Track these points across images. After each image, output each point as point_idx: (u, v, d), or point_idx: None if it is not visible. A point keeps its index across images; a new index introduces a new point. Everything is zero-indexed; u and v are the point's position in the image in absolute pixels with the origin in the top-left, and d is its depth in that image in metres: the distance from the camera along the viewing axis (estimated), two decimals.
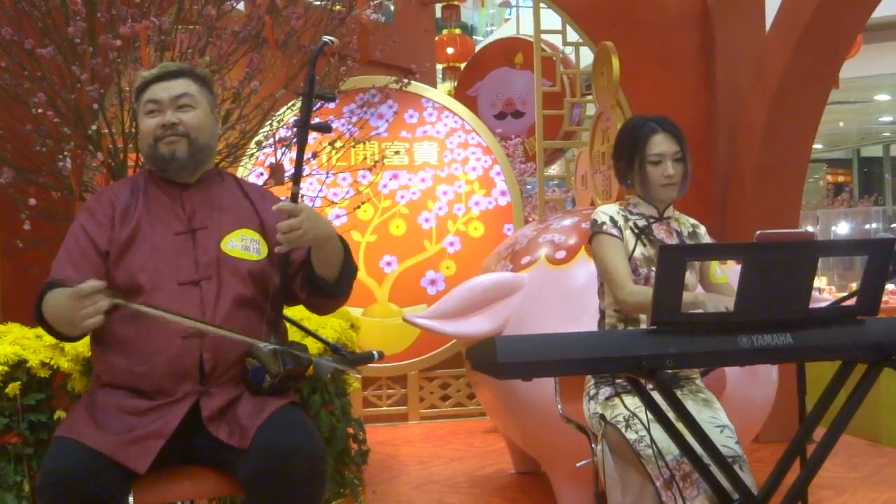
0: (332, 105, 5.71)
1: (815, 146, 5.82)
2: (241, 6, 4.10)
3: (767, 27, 5.80)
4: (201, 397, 2.41)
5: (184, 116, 2.56)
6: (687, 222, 3.10)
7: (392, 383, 6.71)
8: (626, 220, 3.00)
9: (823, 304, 3.63)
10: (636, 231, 2.98)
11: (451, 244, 6.69)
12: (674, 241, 2.99)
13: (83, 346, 2.99)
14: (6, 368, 2.96)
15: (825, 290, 9.26)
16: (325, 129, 2.69)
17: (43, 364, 3.03)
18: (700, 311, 2.61)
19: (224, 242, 2.54)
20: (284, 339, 2.56)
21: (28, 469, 3.03)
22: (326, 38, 2.57)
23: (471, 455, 5.60)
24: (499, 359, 1.97)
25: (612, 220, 2.98)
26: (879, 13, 5.48)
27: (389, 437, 6.19)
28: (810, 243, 2.37)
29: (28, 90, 3.47)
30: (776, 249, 2.20)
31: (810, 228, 13.40)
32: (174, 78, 2.59)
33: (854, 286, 9.71)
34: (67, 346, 3.04)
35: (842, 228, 13.08)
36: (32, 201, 3.53)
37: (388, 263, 6.61)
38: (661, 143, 2.95)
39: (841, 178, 26.10)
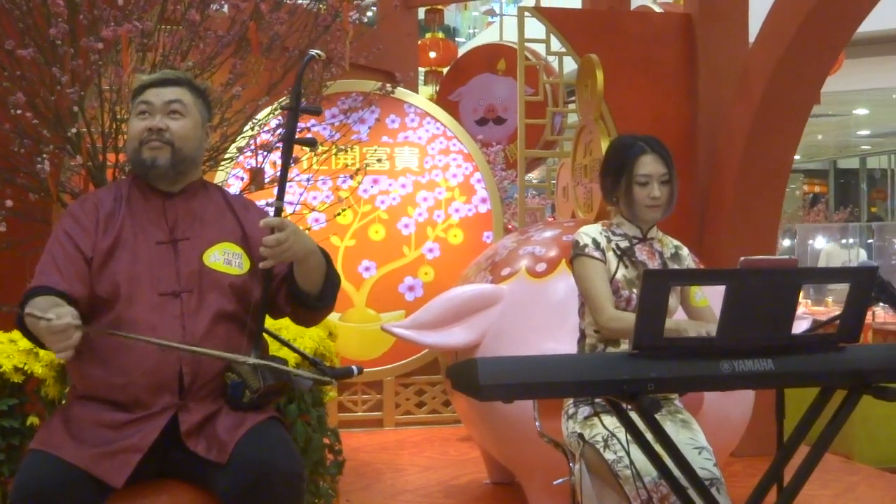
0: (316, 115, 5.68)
1: (794, 158, 5.85)
2: (225, 9, 4.06)
3: (751, 42, 5.82)
4: (180, 411, 2.38)
5: (172, 124, 2.53)
6: (670, 244, 3.10)
7: (367, 389, 6.69)
8: (609, 240, 2.99)
9: (803, 322, 3.66)
10: (618, 252, 2.97)
11: (431, 250, 6.68)
12: (655, 262, 2.99)
13: None
14: None
15: (801, 304, 9.30)
16: (310, 143, 2.67)
17: (16, 369, 2.99)
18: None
19: (206, 255, 2.52)
20: (265, 354, 2.53)
21: (0, 475, 2.99)
22: (313, 52, 2.55)
23: (445, 464, 5.59)
24: (480, 381, 1.96)
25: (595, 242, 2.97)
26: (861, 29, 5.51)
27: (364, 442, 6.16)
28: (793, 270, 2.37)
29: (7, 90, 3.43)
30: (759, 276, 2.20)
31: (787, 242, 13.47)
32: (171, 85, 2.57)
33: (830, 300, 9.74)
34: (42, 351, 3.01)
35: (819, 243, 13.14)
36: (9, 203, 3.49)
37: (367, 268, 6.59)
38: (649, 165, 2.95)
39: (817, 189, 26.28)
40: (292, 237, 2.39)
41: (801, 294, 9.53)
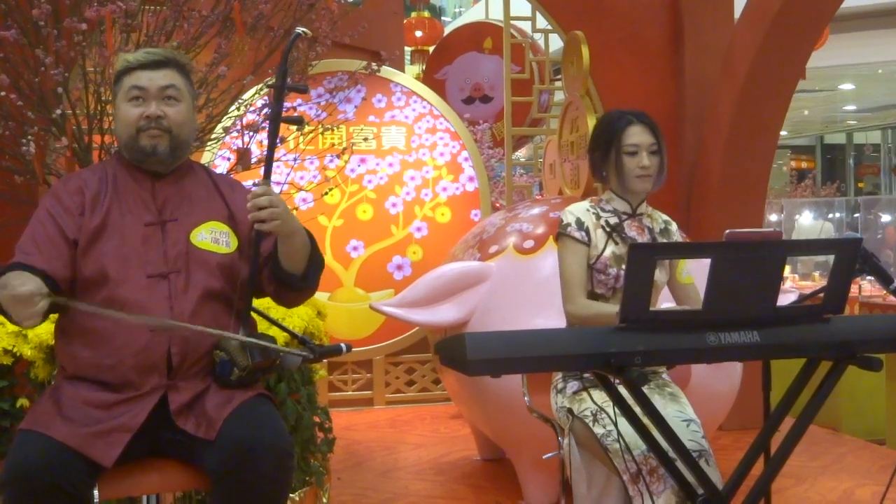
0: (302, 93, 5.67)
1: (780, 133, 5.87)
2: None
3: (736, 18, 5.82)
4: (169, 390, 2.39)
5: (169, 111, 2.51)
6: (659, 218, 3.10)
7: (357, 368, 6.70)
8: (598, 217, 2.99)
9: (789, 296, 3.68)
10: (608, 229, 2.98)
11: (419, 229, 6.69)
12: (645, 238, 2.99)
13: (47, 334, 2.95)
14: None
15: (788, 279, 9.36)
16: (296, 122, 2.67)
17: (5, 351, 3.00)
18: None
19: (193, 234, 2.51)
20: (253, 332, 2.54)
21: None
22: (300, 30, 2.54)
23: (436, 441, 5.61)
24: (468, 356, 1.97)
25: (579, 221, 2.97)
26: (846, 4, 5.52)
27: (355, 421, 6.19)
28: (779, 243, 2.39)
29: None
30: (745, 248, 2.21)
31: (774, 217, 13.53)
32: (160, 67, 2.53)
33: (816, 275, 9.80)
34: (30, 333, 3.01)
35: (805, 218, 13.21)
36: None
37: (355, 248, 6.60)
38: (637, 135, 2.95)
39: (804, 164, 26.37)
40: (280, 205, 2.40)
41: (788, 269, 9.58)
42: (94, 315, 2.37)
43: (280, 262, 2.52)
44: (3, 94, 3.38)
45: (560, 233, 2.98)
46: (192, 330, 2.33)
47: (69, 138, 3.51)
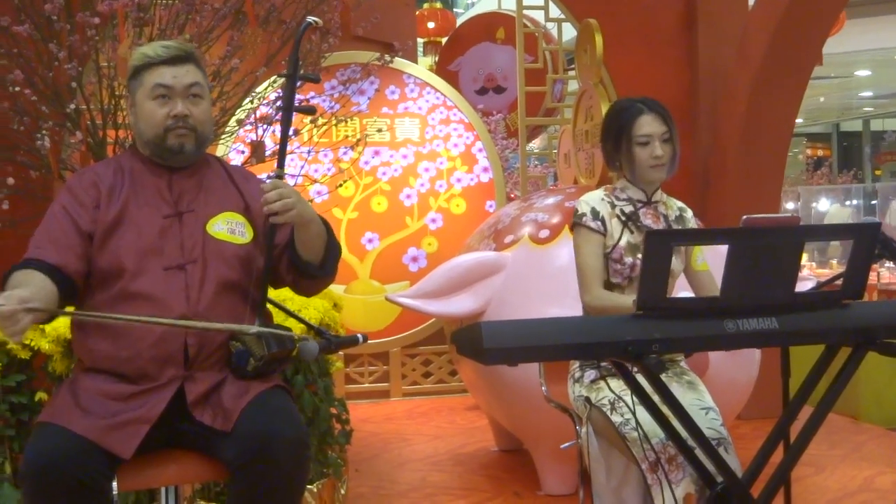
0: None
1: (796, 120, 5.83)
2: None
3: (750, 4, 5.79)
4: (186, 382, 2.39)
5: (194, 109, 2.51)
6: (674, 206, 3.08)
7: (374, 360, 6.71)
8: (613, 206, 2.97)
9: (807, 284, 3.66)
10: (623, 218, 2.96)
11: (433, 221, 6.68)
12: (660, 225, 2.97)
13: (64, 328, 2.97)
14: None
15: (806, 266, 9.31)
16: (308, 111, 2.67)
17: (24, 345, 3.01)
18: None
19: (210, 225, 2.52)
20: (269, 323, 2.54)
21: (9, 451, 3.02)
22: (310, 19, 2.53)
23: (453, 432, 5.61)
24: (485, 345, 1.95)
25: (594, 211, 2.95)
26: None
27: (371, 413, 6.19)
28: (796, 228, 2.37)
29: (4, 68, 3.42)
30: (762, 234, 2.19)
31: (791, 205, 13.46)
32: (182, 63, 2.52)
33: (835, 263, 9.75)
34: (48, 327, 3.02)
35: (822, 205, 13.14)
36: (11, 180, 3.49)
37: (370, 240, 6.60)
38: (648, 124, 2.92)
39: (820, 152, 26.20)
40: (294, 195, 2.40)
41: (806, 257, 9.54)
42: (111, 308, 2.38)
43: (297, 252, 2.52)
44: (17, 89, 3.39)
45: (575, 222, 2.96)
46: (200, 328, 2.34)
47: (84, 133, 3.51)
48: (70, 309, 2.39)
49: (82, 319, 2.46)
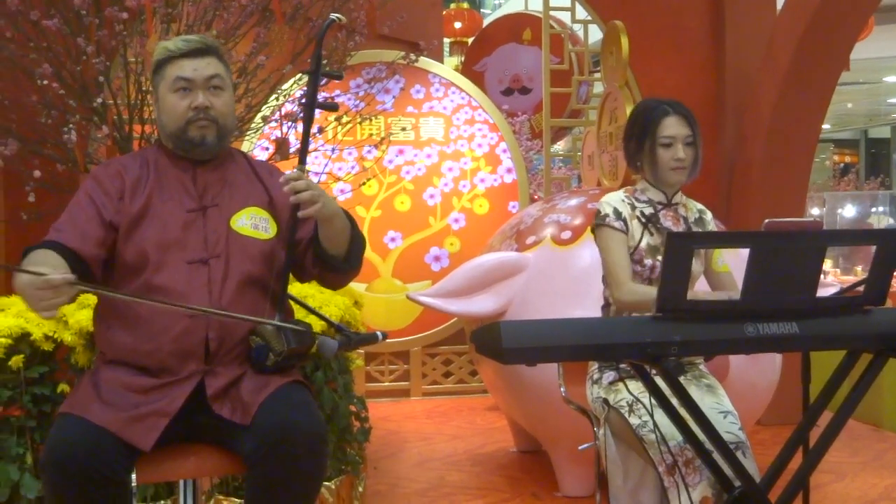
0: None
1: (822, 126, 5.79)
2: None
3: (778, 8, 5.75)
4: (206, 376, 2.40)
5: (215, 101, 2.53)
6: (694, 207, 3.08)
7: (394, 359, 6.71)
8: (633, 208, 2.97)
9: (830, 290, 3.63)
10: (643, 220, 2.95)
11: (456, 221, 6.68)
12: (680, 227, 2.97)
13: (87, 321, 2.99)
14: (10, 341, 2.97)
15: (829, 273, 9.24)
16: (331, 107, 2.67)
17: (46, 337, 3.04)
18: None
19: (234, 220, 2.53)
20: (289, 319, 2.55)
21: (31, 441, 3.04)
22: (333, 16, 2.54)
23: (472, 433, 5.61)
24: (503, 344, 1.96)
25: (616, 211, 2.95)
26: None
27: (391, 412, 6.20)
28: (818, 233, 2.36)
29: (33, 61, 3.45)
30: (784, 238, 2.18)
31: (816, 211, 13.36)
32: (203, 55, 2.54)
33: (859, 270, 9.66)
34: (71, 319, 3.05)
35: (848, 211, 13.01)
36: (37, 173, 3.52)
37: (393, 239, 6.61)
38: (672, 126, 2.92)
39: (847, 159, 26.02)
40: (315, 188, 2.41)
41: (830, 263, 9.43)
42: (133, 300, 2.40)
43: (322, 246, 2.53)
44: (45, 83, 3.42)
45: (598, 223, 2.96)
46: (225, 317, 2.35)
47: (110, 127, 3.54)
48: (117, 293, 2.39)
49: (105, 312, 2.48)
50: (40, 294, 2.09)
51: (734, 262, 2.95)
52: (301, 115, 3.56)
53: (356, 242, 2.60)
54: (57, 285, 2.09)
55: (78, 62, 3.48)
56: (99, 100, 3.52)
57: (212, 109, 2.52)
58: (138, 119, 3.66)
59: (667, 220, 2.97)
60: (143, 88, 3.62)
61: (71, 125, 3.47)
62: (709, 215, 3.09)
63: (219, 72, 2.55)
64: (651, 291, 2.80)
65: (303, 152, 2.55)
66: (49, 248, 2.34)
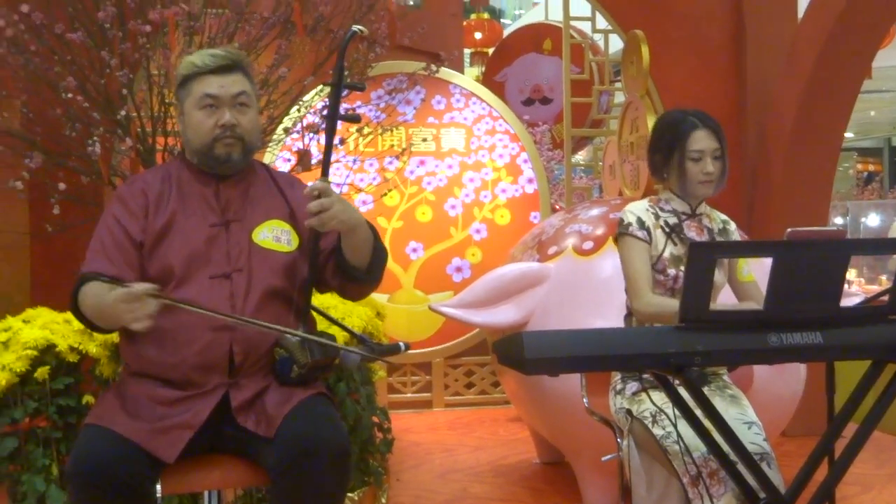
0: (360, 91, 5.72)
1: (845, 134, 5.75)
2: None
3: (800, 16, 5.73)
4: (231, 388, 2.41)
5: (241, 118, 2.54)
6: (718, 218, 3.07)
7: (417, 370, 6.71)
8: (657, 217, 2.96)
9: (854, 300, 3.61)
10: (667, 230, 2.94)
11: (478, 231, 6.68)
12: (704, 238, 2.95)
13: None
14: (35, 353, 2.99)
15: (854, 283, 9.18)
16: (353, 119, 2.68)
17: (71, 349, 3.05)
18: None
19: (255, 233, 2.54)
20: (313, 330, 2.56)
21: (56, 453, 3.06)
22: (356, 28, 2.55)
23: (495, 444, 5.60)
24: (526, 354, 1.95)
25: (640, 221, 2.94)
26: None
27: (414, 423, 6.20)
28: (841, 241, 2.34)
29: (58, 75, 3.48)
30: (807, 247, 2.17)
31: (839, 220, 13.28)
32: (229, 72, 2.55)
33: (884, 279, 9.59)
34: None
35: (872, 220, 12.92)
36: (62, 186, 3.54)
37: (414, 250, 6.61)
38: (702, 140, 2.90)
39: (871, 167, 25.84)
40: (337, 204, 2.40)
41: (854, 273, 9.34)
42: (159, 314, 2.41)
43: (345, 256, 2.53)
44: (70, 95, 3.45)
45: (621, 232, 2.96)
46: (263, 327, 2.36)
47: (133, 140, 3.57)
48: (186, 305, 2.41)
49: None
50: (127, 307, 2.19)
51: (758, 272, 2.94)
52: (324, 126, 3.59)
53: (378, 254, 2.60)
54: (139, 296, 2.19)
55: (102, 75, 3.51)
56: (123, 112, 3.55)
57: (238, 127, 2.53)
58: (161, 131, 3.68)
59: (690, 231, 2.96)
60: (167, 101, 3.65)
61: (95, 138, 3.49)
62: (733, 226, 3.08)
63: (245, 89, 2.56)
64: (670, 303, 2.80)
65: (325, 164, 2.55)
66: (94, 280, 2.38)
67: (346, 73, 3.88)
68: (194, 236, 2.51)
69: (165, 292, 2.44)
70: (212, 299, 2.44)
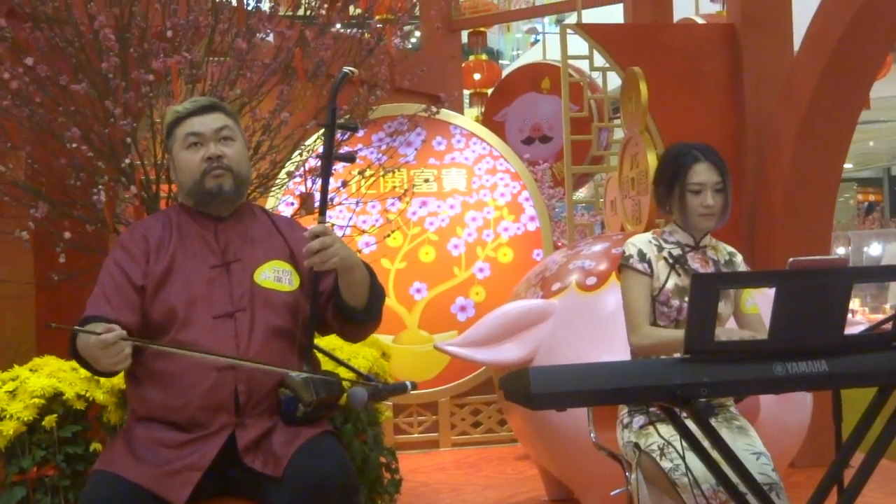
0: (360, 133, 5.76)
1: (845, 165, 5.78)
2: (270, 38, 4.14)
3: (796, 50, 5.79)
4: (237, 429, 2.42)
5: (226, 150, 2.59)
6: (724, 250, 3.08)
7: (423, 410, 6.69)
8: (660, 249, 2.98)
9: (858, 328, 3.62)
10: (670, 261, 2.96)
11: (481, 270, 6.69)
12: (709, 270, 2.96)
13: (118, 379, 3.01)
14: (42, 401, 2.99)
15: (858, 312, 9.18)
16: (348, 158, 2.71)
17: (79, 396, 3.06)
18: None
19: (257, 274, 2.57)
20: (317, 369, 2.57)
21: (65, 501, 3.05)
22: (346, 69, 2.59)
23: (503, 482, 5.58)
24: (532, 390, 1.96)
25: (641, 253, 2.96)
26: None
27: (421, 464, 6.17)
28: (844, 270, 2.35)
29: (62, 125, 3.52)
30: (810, 276, 2.18)
31: (841, 250, 13.29)
32: (209, 111, 2.62)
33: (888, 307, 9.59)
34: (103, 378, 3.07)
35: (874, 249, 12.93)
36: (67, 235, 3.57)
37: (418, 290, 6.61)
38: (702, 173, 2.92)
39: (871, 197, 25.91)
40: (337, 242, 2.44)
41: (857, 302, 9.33)
42: (163, 357, 2.43)
43: (342, 297, 2.55)
44: (74, 145, 3.48)
45: (622, 265, 2.97)
46: (262, 369, 2.38)
47: (138, 187, 3.60)
48: (163, 347, 2.46)
49: (136, 369, 2.50)
50: (104, 353, 2.25)
51: (762, 303, 2.95)
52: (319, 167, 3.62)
53: (376, 293, 2.62)
54: (111, 343, 2.23)
55: (106, 124, 3.54)
56: (126, 160, 3.58)
57: (224, 158, 2.58)
58: (165, 178, 3.71)
59: (695, 263, 2.97)
60: None
61: (100, 186, 3.52)
62: (739, 258, 3.09)
63: (227, 123, 2.63)
64: (665, 334, 2.81)
65: (322, 205, 2.59)
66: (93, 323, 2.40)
67: (346, 116, 3.93)
68: (195, 278, 2.53)
69: (170, 335, 2.46)
70: (216, 339, 2.45)
